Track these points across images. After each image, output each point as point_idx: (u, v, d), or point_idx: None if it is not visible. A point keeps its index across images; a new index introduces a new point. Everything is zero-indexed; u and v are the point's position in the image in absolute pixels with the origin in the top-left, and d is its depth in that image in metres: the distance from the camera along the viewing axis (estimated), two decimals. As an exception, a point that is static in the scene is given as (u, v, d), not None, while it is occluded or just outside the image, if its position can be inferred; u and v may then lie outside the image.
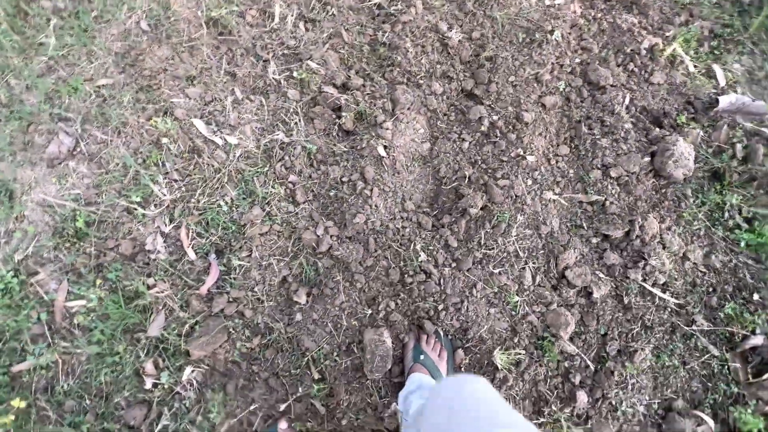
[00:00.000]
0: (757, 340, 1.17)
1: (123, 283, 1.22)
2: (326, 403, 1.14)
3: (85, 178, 1.33)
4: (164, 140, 1.36)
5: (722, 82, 1.47)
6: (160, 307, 1.21)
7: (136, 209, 1.29)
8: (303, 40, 1.52)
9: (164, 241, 1.29)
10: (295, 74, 1.46)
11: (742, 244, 1.27)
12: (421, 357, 1.11)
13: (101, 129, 1.38)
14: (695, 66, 1.49)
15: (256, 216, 1.28)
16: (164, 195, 1.31)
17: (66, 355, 1.17)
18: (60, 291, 1.22)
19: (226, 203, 1.32)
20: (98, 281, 1.23)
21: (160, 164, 1.35)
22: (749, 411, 1.10)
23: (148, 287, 1.22)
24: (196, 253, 1.28)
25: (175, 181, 1.34)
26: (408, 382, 1.08)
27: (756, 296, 1.22)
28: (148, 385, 1.14)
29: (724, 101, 1.39)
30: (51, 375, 1.17)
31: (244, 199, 1.33)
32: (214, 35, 1.53)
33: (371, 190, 1.30)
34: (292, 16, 1.55)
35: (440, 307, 1.20)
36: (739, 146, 1.37)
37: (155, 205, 1.31)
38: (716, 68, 1.49)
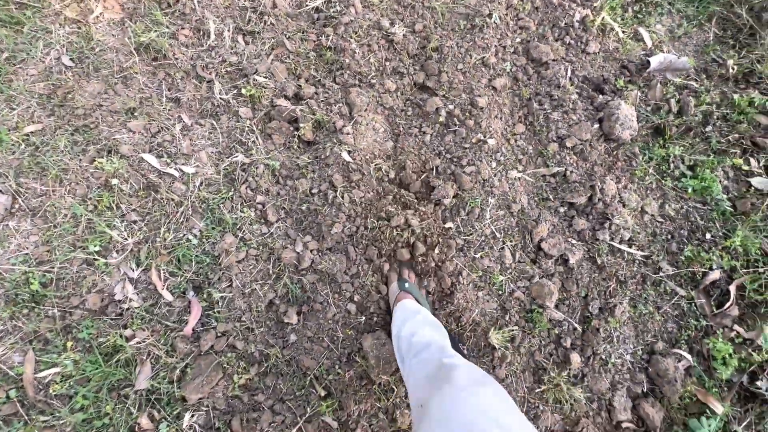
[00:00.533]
0: (715, 275, 1.28)
1: (98, 341, 1.14)
2: (337, 417, 1.14)
3: (32, 236, 1.22)
4: (114, 181, 1.27)
5: (649, 44, 1.58)
6: (144, 357, 1.15)
7: (96, 260, 1.21)
8: (245, 54, 1.47)
9: (135, 288, 1.21)
10: (243, 91, 1.40)
11: (690, 190, 1.39)
12: (406, 285, 1.15)
13: (39, 180, 1.27)
14: (623, 31, 1.59)
15: (229, 244, 1.24)
16: (125, 239, 1.23)
17: (48, 429, 1.08)
18: (27, 363, 1.12)
19: (195, 236, 1.26)
20: (69, 344, 1.14)
21: (114, 207, 1.26)
22: (719, 340, 1.22)
23: (127, 339, 1.15)
24: (173, 294, 1.21)
25: (135, 222, 1.26)
26: (398, 310, 1.07)
27: (708, 235, 1.34)
28: (147, 441, 1.08)
29: (654, 61, 1.50)
30: (35, 454, 1.08)
31: (213, 228, 1.27)
32: (148, 62, 1.44)
33: (343, 196, 1.29)
34: (229, 30, 1.49)
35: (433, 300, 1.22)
36: (673, 101, 1.48)
37: (117, 252, 1.23)
38: (642, 31, 1.60)
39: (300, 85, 1.44)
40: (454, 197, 1.31)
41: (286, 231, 1.29)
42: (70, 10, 1.45)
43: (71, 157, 1.28)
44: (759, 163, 1.44)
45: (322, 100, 1.43)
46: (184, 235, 1.25)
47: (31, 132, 1.31)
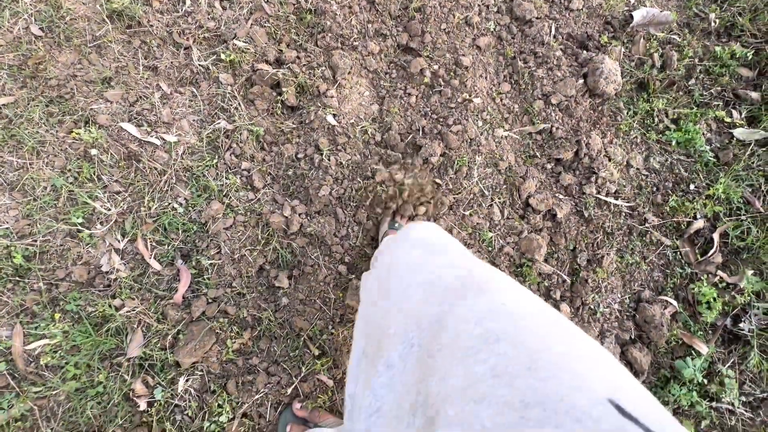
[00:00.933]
0: (699, 224, 1.31)
1: (87, 311, 1.13)
2: (332, 375, 1.15)
3: (11, 210, 1.19)
4: (93, 152, 1.24)
5: (632, -1, 1.58)
6: (135, 326, 1.14)
7: (80, 231, 1.18)
8: (222, 19, 1.43)
9: (121, 258, 1.19)
10: (222, 57, 1.37)
11: (674, 143, 1.40)
12: (396, 225, 1.13)
13: (15, 153, 1.23)
14: (607, -13, 1.58)
15: (216, 211, 1.22)
16: (109, 210, 1.20)
17: (41, 399, 1.08)
18: (15, 336, 1.11)
19: (181, 204, 1.24)
20: (57, 315, 1.13)
21: (96, 178, 1.23)
22: (704, 285, 1.25)
23: (116, 309, 1.14)
24: (161, 262, 1.20)
25: (118, 193, 1.23)
26: (380, 246, 0.99)
27: (692, 186, 1.36)
28: (143, 406, 1.08)
29: (638, 15, 1.49)
30: (30, 425, 1.07)
31: (199, 196, 1.25)
32: (122, 30, 1.39)
33: (329, 159, 1.28)
34: (205, -5, 1.44)
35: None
36: (656, 56, 1.48)
37: (101, 223, 1.21)
38: (625, -14, 1.58)
39: (281, 50, 1.41)
40: (441, 156, 1.30)
41: (273, 196, 1.28)
42: (36, -22, 1.39)
43: (47, 129, 1.25)
44: (741, 114, 1.46)
45: (304, 64, 1.40)
46: (170, 203, 1.23)
47: (3, 104, 1.26)
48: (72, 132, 1.25)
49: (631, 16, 1.50)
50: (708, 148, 1.39)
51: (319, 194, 1.24)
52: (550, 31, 1.49)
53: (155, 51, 1.38)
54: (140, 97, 1.32)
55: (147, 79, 1.35)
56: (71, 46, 1.35)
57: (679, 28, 1.56)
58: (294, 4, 1.47)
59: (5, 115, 1.25)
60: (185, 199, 1.25)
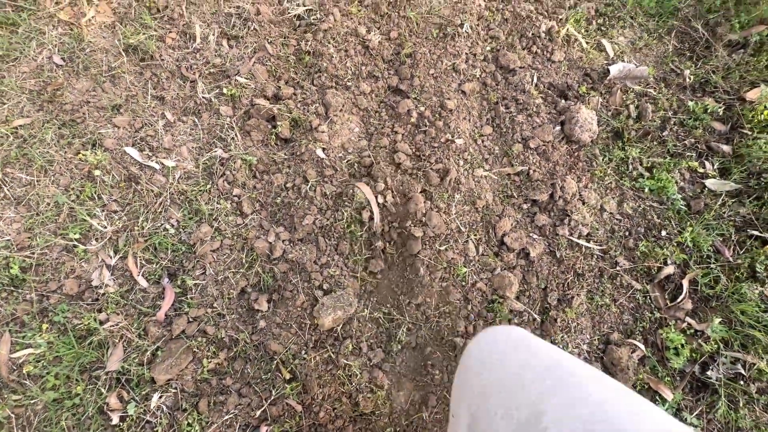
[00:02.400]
0: (669, 270, 1.34)
1: (73, 323, 1.19)
2: (301, 400, 1.18)
3: (14, 223, 1.28)
4: (96, 172, 1.33)
5: (611, 54, 1.68)
6: (117, 340, 1.19)
7: (75, 246, 1.26)
8: (228, 57, 1.55)
9: (111, 274, 1.26)
10: (225, 91, 1.48)
11: (646, 190, 1.46)
12: None
13: (25, 170, 1.33)
14: (587, 42, 1.69)
15: (204, 233, 1.29)
16: (104, 227, 1.28)
17: (19, 408, 1.12)
18: (2, 344, 1.16)
19: (173, 225, 1.32)
20: (44, 326, 1.18)
21: (96, 197, 1.32)
22: (672, 331, 1.27)
23: (101, 322, 1.19)
24: (148, 280, 1.26)
25: (115, 212, 1.32)
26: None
27: (663, 232, 1.41)
28: (115, 420, 1.11)
29: (614, 70, 1.59)
30: (5, 432, 1.11)
31: (190, 218, 1.33)
32: (136, 62, 1.52)
33: (315, 190, 1.35)
34: (214, 35, 1.57)
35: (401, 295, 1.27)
36: (632, 107, 1.57)
37: (96, 239, 1.28)
38: (605, 42, 1.70)
39: (279, 86, 1.52)
40: (422, 192, 1.38)
41: (260, 222, 1.35)
42: (64, 13, 1.54)
43: (57, 150, 1.35)
44: (713, 165, 1.52)
45: (299, 101, 1.50)
46: (162, 224, 1.31)
47: (20, 125, 1.37)
48: (79, 153, 1.35)
49: (608, 70, 1.60)
50: (680, 196, 1.45)
51: (303, 223, 1.31)
52: (532, 80, 1.59)
53: (164, 83, 1.50)
54: (145, 123, 1.43)
55: (154, 107, 1.46)
56: (88, 75, 1.47)
57: (655, 81, 1.66)
58: (294, 46, 1.60)
59: (21, 135, 1.36)
60: (177, 220, 1.32)
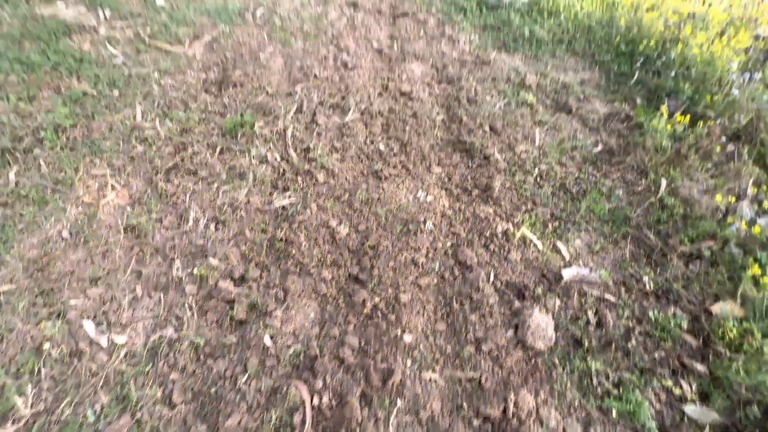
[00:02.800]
0: None
1: None
2: None
3: (-56, 395, 1.26)
4: (46, 345, 1.36)
5: (567, 256, 1.76)
6: None
7: (-12, 429, 1.20)
8: (211, 238, 1.74)
9: (9, 468, 1.15)
10: (194, 271, 1.61)
11: (614, 413, 1.31)
12: None
13: (-16, 337, 1.38)
14: (543, 244, 1.80)
15: (121, 426, 1.21)
16: (26, 409, 1.24)
17: None
18: None
19: (94, 412, 1.25)
20: None
21: (35, 372, 1.32)
22: None
23: None
24: (42, 481, 1.14)
25: (45, 389, 1.29)
26: None
27: (641, 474, 1.19)
28: None
29: (567, 274, 1.64)
30: None
31: (115, 405, 1.27)
32: (131, 239, 1.73)
33: (250, 384, 1.30)
34: (204, 218, 1.81)
35: None
36: (590, 313, 1.55)
37: (13, 422, 1.22)
38: (560, 245, 1.80)
39: (248, 269, 1.64)
40: (360, 395, 1.29)
41: (185, 417, 1.27)
42: (89, 196, 1.85)
43: (21, 318, 1.43)
44: (692, 388, 1.39)
45: (263, 284, 1.60)
46: (84, 410, 1.25)
47: (3, 291, 1.50)
48: (41, 323, 1.42)
49: (561, 275, 1.65)
50: (655, 424, 1.28)
51: (226, 423, 1.22)
52: (488, 278, 1.65)
53: (146, 259, 1.66)
54: (114, 297, 1.52)
55: (129, 281, 1.58)
56: (86, 248, 1.66)
57: (615, 286, 1.67)
58: (271, 233, 1.79)
59: (1, 301, 1.47)
60: (102, 406, 1.27)
